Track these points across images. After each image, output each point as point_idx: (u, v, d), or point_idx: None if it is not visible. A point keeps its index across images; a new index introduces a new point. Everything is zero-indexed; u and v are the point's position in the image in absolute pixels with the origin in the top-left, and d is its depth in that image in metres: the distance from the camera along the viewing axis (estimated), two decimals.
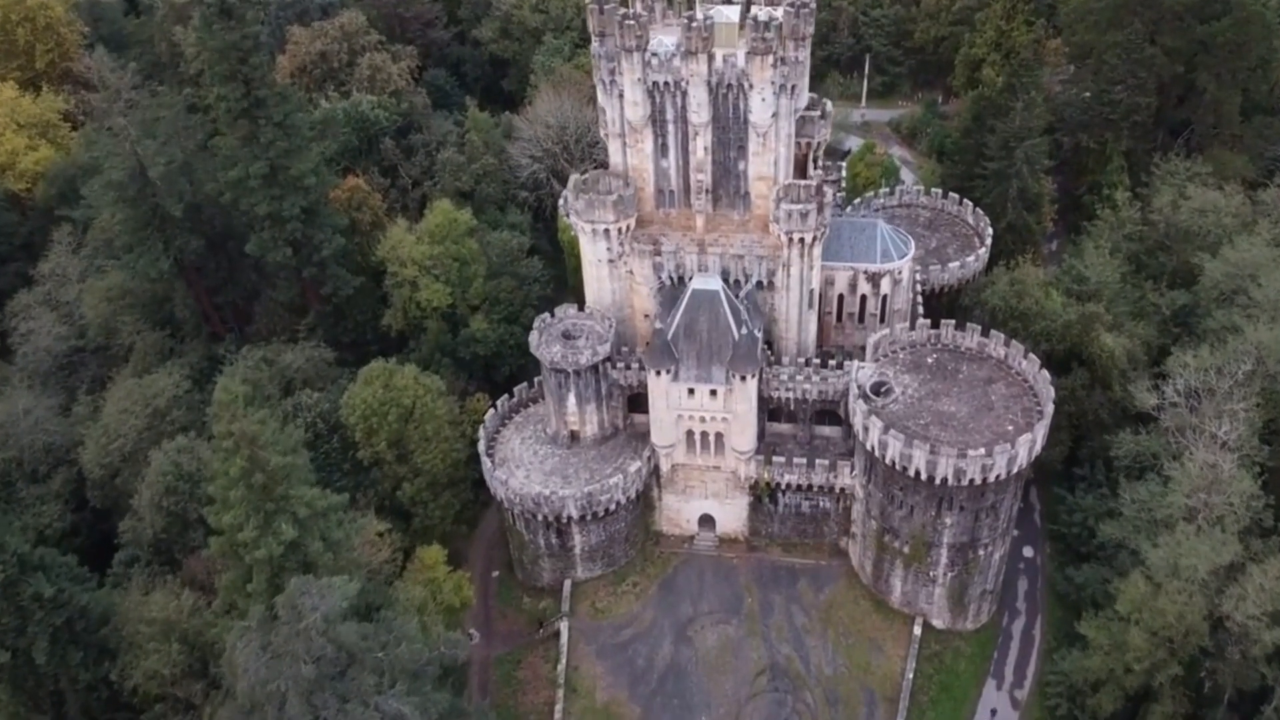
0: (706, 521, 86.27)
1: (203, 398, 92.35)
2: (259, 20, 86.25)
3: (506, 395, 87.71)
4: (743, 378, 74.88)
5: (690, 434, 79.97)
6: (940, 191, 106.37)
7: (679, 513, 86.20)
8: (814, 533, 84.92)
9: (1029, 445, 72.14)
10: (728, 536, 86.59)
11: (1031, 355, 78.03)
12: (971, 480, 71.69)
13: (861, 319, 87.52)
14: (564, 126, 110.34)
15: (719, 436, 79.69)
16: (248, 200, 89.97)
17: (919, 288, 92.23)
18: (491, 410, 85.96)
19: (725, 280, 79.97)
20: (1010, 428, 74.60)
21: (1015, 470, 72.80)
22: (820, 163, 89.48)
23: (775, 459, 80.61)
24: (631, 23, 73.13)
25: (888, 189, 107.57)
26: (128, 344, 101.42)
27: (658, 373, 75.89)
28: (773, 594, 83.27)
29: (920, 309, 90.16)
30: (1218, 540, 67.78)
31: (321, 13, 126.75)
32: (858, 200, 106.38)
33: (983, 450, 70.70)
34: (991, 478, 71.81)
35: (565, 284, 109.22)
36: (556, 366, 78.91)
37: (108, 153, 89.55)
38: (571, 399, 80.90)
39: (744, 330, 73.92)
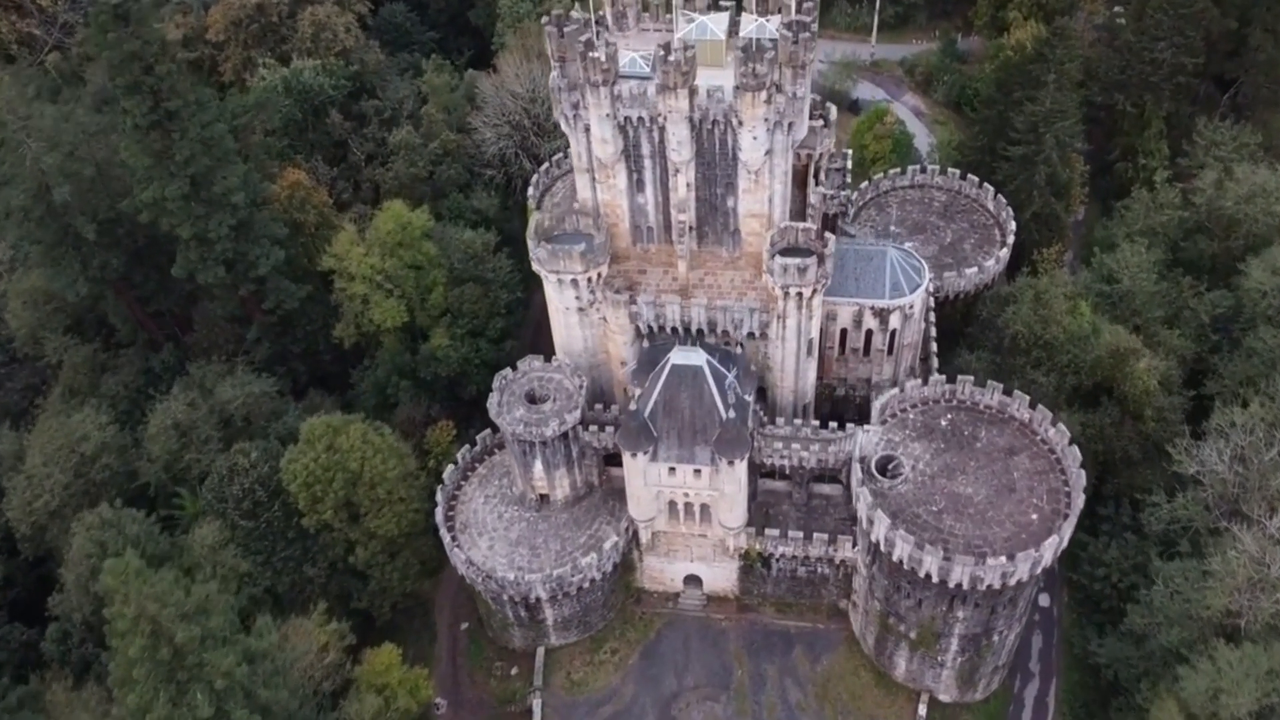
0: (693, 580, 78.54)
1: (135, 435, 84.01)
2: (161, 19, 73.31)
3: (468, 446, 78.58)
4: (730, 462, 65.73)
5: (673, 504, 71.32)
6: (958, 172, 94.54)
7: (662, 572, 78.35)
8: (811, 594, 77.14)
9: (1055, 547, 63.55)
10: (716, 595, 78.95)
11: (1061, 426, 68.53)
12: (989, 586, 63.45)
13: (867, 352, 77.68)
14: (533, 98, 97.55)
15: (705, 507, 71.06)
16: (168, 221, 78.91)
17: (931, 301, 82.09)
18: (451, 466, 76.99)
19: (713, 330, 70.09)
20: (1034, 516, 65.85)
21: (1039, 571, 64.47)
22: (824, 173, 78.07)
23: (768, 531, 72.20)
24: (597, 55, 60.83)
25: (898, 169, 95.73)
26: (55, 360, 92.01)
27: (634, 454, 66.68)
28: (765, 664, 76.18)
29: (934, 337, 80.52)
30: (1262, 665, 59.93)
31: None
32: (864, 184, 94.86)
33: (1003, 558, 62.15)
34: (1012, 583, 63.56)
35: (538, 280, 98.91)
36: (519, 438, 69.63)
37: (6, 174, 77.82)
38: (538, 465, 71.96)
39: (731, 413, 64.31)
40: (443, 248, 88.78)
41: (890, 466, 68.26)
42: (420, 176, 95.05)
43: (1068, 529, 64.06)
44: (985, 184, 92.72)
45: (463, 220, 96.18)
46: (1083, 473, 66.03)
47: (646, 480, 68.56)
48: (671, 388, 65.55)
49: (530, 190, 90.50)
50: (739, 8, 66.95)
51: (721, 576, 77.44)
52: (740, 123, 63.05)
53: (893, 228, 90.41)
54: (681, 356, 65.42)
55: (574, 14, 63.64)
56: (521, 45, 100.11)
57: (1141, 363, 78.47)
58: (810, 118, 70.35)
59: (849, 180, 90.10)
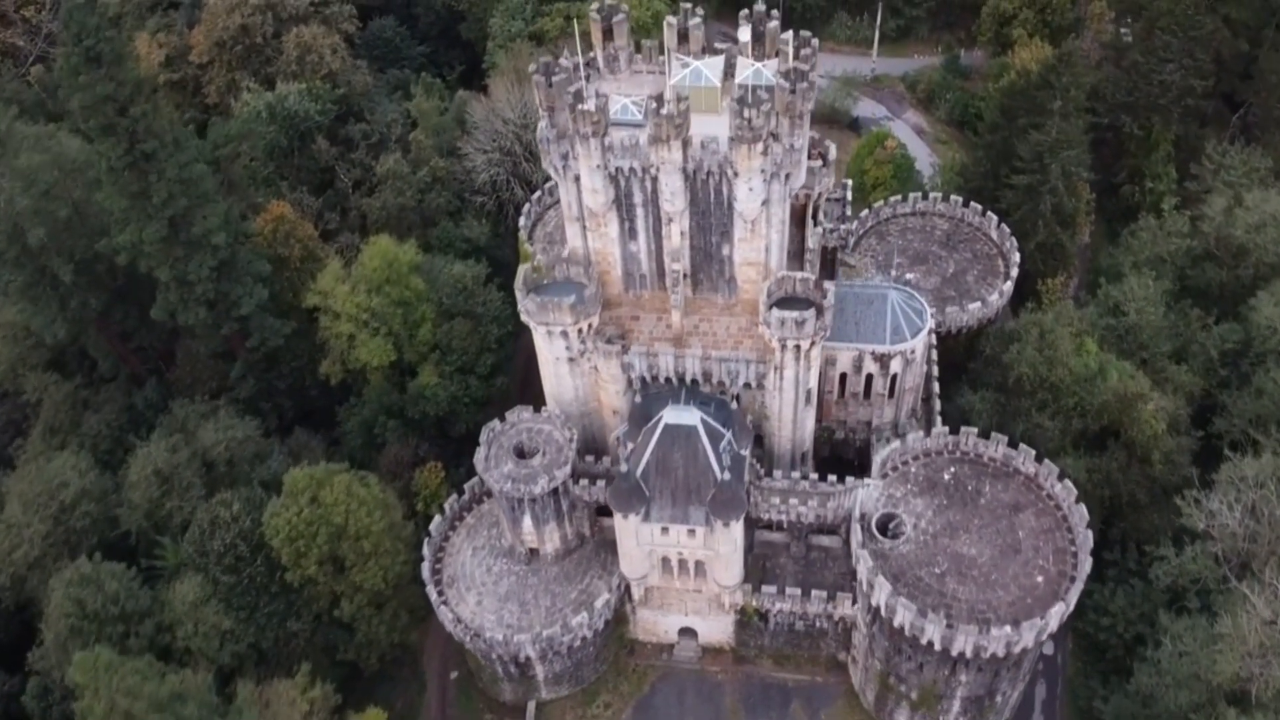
0: (687, 631, 76.45)
1: (116, 480, 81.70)
2: (136, 57, 70.60)
3: (455, 495, 76.32)
4: (725, 523, 63.54)
5: (666, 561, 69.16)
6: (961, 200, 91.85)
7: (656, 624, 76.23)
8: (809, 647, 74.94)
9: (1061, 614, 61.45)
10: (712, 647, 76.86)
11: (1067, 482, 66.32)
12: (993, 654, 61.38)
13: (867, 396, 75.44)
14: (525, 123, 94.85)
15: (699, 564, 68.91)
16: (146, 262, 76.57)
17: (933, 338, 79.80)
18: (438, 517, 74.78)
19: (708, 380, 67.77)
20: (1040, 579, 63.74)
21: (1044, 638, 62.42)
22: (823, 211, 75.74)
23: (765, 588, 70.08)
24: (587, 107, 58.27)
25: (899, 196, 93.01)
26: (35, 399, 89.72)
27: (625, 515, 64.48)
28: (762, 719, 74.19)
29: (936, 376, 78.22)
30: None
31: None
32: (865, 212, 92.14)
33: (1008, 627, 60.03)
34: (1016, 651, 61.47)
35: None
36: (507, 495, 67.42)
37: None
38: (527, 520, 69.76)
39: (727, 474, 62.01)
40: (431, 281, 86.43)
41: (891, 525, 66.10)
42: (408, 206, 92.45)
43: (1074, 594, 62.00)
44: (989, 212, 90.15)
45: (452, 250, 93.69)
46: (1089, 533, 63.92)
47: (639, 540, 66.41)
48: (665, 447, 63.32)
49: (522, 220, 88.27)
50: (735, 50, 64.19)
51: (717, 629, 75.40)
52: (736, 174, 60.63)
53: (895, 260, 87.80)
54: (675, 416, 63.14)
55: (563, 60, 61.02)
56: (513, 68, 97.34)
57: (1149, 406, 76.26)
58: (809, 156, 67.90)
59: (849, 211, 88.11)
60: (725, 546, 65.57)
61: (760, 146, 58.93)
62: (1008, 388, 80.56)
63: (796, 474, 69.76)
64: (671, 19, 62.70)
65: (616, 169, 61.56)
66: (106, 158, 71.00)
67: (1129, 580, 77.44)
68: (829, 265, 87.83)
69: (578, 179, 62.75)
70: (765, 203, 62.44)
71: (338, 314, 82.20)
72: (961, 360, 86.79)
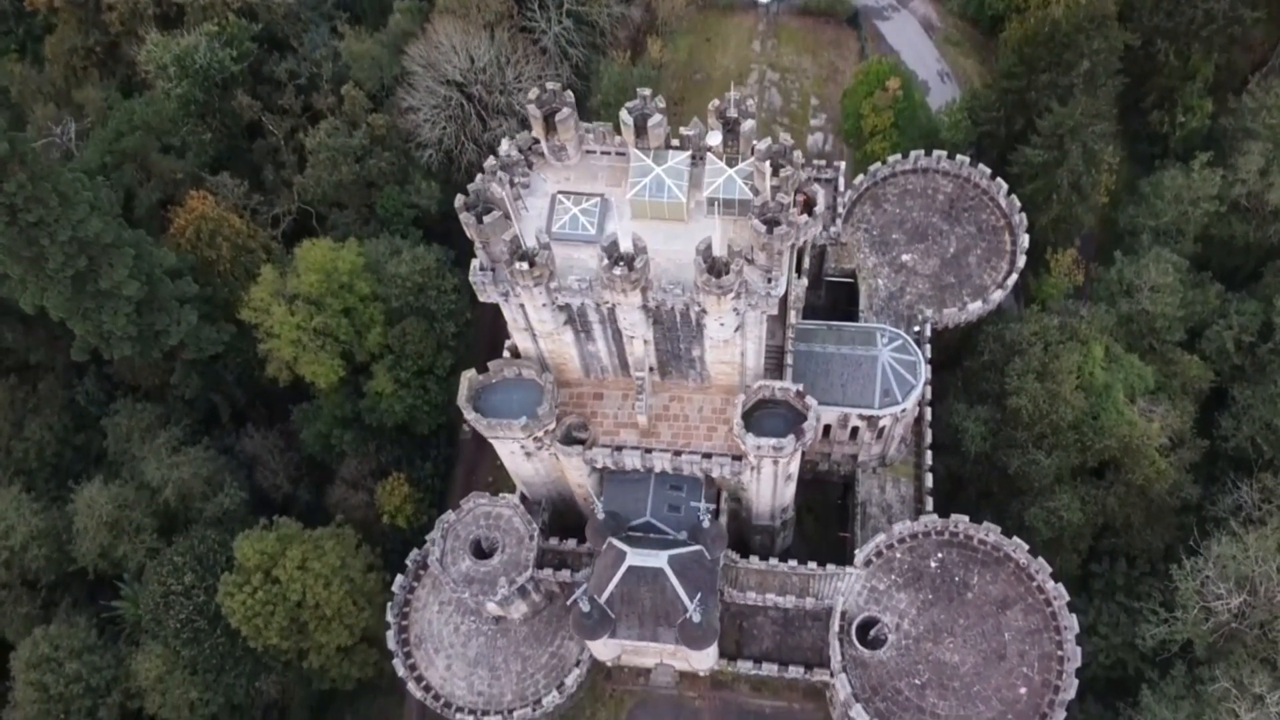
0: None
1: (61, 515, 78.15)
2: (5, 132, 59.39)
3: (416, 549, 72.39)
4: (699, 650, 60.65)
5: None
6: (968, 159, 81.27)
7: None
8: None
9: None
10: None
11: (1060, 587, 62.72)
12: None
13: (853, 437, 70.55)
14: (474, 78, 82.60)
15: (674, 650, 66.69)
16: (56, 314, 69.03)
17: (928, 329, 74.17)
18: (400, 576, 71.38)
19: (678, 471, 62.66)
20: (1023, 690, 61.55)
21: None
22: (810, 255, 67.59)
23: (741, 663, 68.09)
24: (525, 267, 49.58)
25: (899, 155, 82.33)
26: None
27: (590, 640, 61.45)
28: None
29: (929, 400, 72.78)
30: None
31: None
32: (860, 177, 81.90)
33: None
34: None
35: None
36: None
37: None
38: (491, 604, 66.78)
39: (697, 616, 58.14)
40: (377, 275, 78.60)
41: (873, 631, 63.17)
42: (346, 180, 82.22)
43: (1059, 716, 60.21)
44: (998, 178, 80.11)
45: (400, 220, 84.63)
46: (1079, 649, 61.20)
47: (607, 646, 63.83)
48: (629, 584, 59.12)
49: (465, 206, 78.89)
50: (702, 141, 53.91)
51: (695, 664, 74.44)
52: (704, 311, 52.74)
53: (893, 236, 79.29)
54: (639, 558, 58.41)
55: (494, 187, 51.25)
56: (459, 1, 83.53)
57: (1153, 447, 71.63)
58: (794, 204, 59.10)
59: (841, 190, 78.67)
60: (698, 658, 63.10)
61: (731, 295, 50.81)
62: (1004, 406, 75.11)
63: (774, 559, 66.05)
64: (628, 116, 52.26)
65: (567, 303, 53.57)
66: None
67: (1113, 598, 75.84)
68: (818, 261, 79.78)
69: (523, 306, 54.71)
70: (739, 328, 54.84)
71: (276, 334, 75.23)
72: (956, 351, 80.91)
